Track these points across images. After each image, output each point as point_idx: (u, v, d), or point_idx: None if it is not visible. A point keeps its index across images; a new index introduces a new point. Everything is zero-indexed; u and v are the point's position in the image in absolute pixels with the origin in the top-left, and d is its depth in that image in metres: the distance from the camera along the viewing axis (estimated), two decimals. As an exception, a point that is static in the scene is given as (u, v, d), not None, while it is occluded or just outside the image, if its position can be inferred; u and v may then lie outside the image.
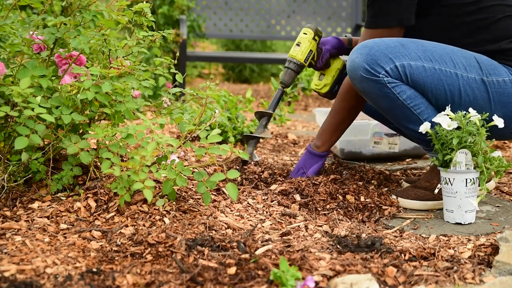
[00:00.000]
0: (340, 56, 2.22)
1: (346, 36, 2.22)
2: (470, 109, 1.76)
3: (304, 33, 2.13)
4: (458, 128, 1.74)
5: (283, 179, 2.06)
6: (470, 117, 1.74)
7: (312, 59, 2.16)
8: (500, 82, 1.85)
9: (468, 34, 1.91)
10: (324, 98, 2.26)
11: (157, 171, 1.64)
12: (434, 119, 1.76)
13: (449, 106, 1.80)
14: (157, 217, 1.62)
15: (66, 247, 1.47)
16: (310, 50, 2.13)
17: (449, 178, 1.74)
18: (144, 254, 1.42)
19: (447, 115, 1.76)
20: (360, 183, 2.00)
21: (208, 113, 2.53)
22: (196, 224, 1.57)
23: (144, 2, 1.90)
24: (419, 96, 1.85)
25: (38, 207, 1.70)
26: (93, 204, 1.69)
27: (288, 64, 2.14)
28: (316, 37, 2.13)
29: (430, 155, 1.95)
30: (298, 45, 2.13)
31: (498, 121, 1.75)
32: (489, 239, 1.61)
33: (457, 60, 1.85)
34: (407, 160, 2.60)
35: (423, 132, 1.79)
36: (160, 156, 1.79)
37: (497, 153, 1.76)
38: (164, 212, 1.65)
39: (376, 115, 2.26)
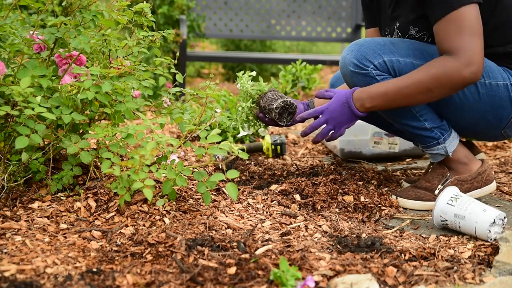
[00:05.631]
0: None
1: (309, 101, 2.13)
2: None
3: None
4: None
5: (283, 179, 2.06)
6: None
7: None
8: (493, 85, 1.84)
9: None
10: None
11: (157, 171, 1.64)
12: None
13: None
14: (157, 217, 1.62)
15: (66, 247, 1.47)
16: None
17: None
18: (144, 254, 1.42)
19: None
20: (360, 183, 2.00)
21: (208, 113, 2.53)
22: (196, 224, 1.57)
23: (144, 2, 1.90)
24: None
25: (38, 207, 1.70)
26: (93, 204, 1.69)
27: None
28: None
29: (428, 153, 1.95)
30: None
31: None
32: (489, 239, 1.61)
33: None
34: (407, 160, 2.60)
35: None
36: (160, 156, 1.79)
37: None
38: (164, 212, 1.65)
39: (371, 119, 2.22)
